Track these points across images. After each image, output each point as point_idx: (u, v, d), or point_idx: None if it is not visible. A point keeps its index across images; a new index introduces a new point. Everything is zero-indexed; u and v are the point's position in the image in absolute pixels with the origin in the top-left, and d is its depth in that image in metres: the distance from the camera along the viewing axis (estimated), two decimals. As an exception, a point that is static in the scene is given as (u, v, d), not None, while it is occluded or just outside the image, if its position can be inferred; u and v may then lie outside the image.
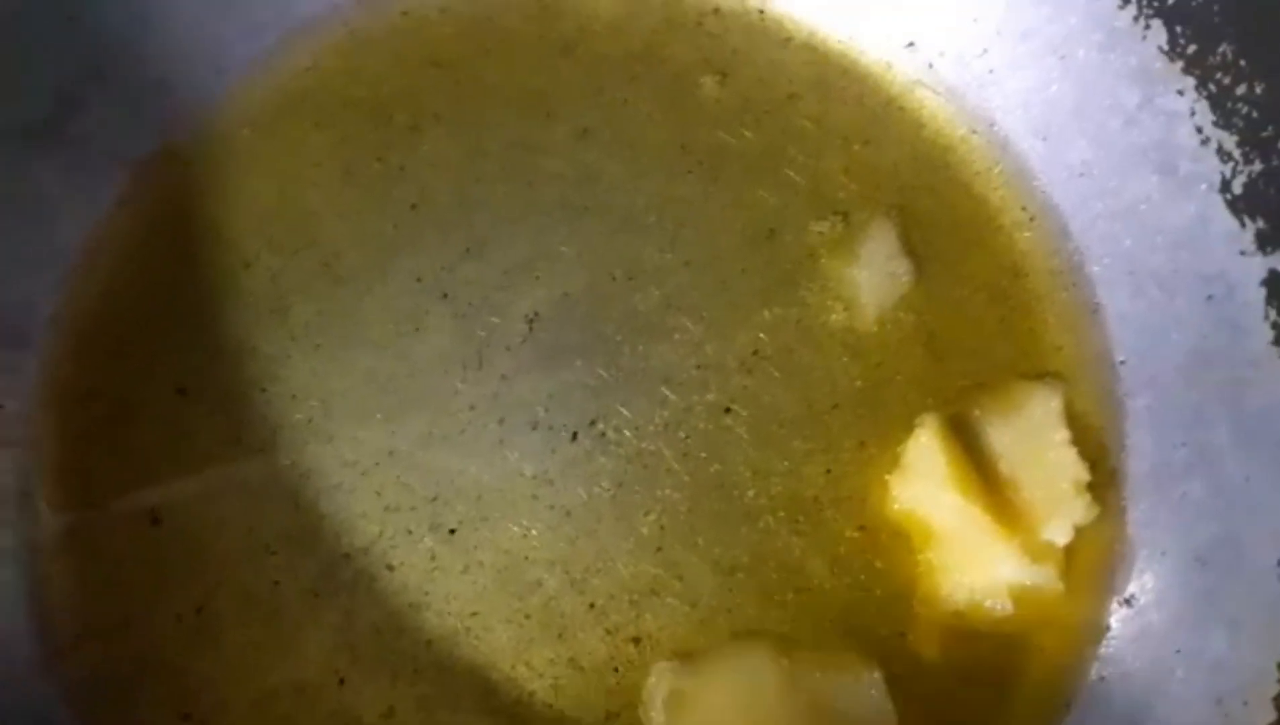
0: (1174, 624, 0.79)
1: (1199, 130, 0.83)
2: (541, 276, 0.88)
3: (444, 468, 0.83)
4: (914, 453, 0.82)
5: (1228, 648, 0.76)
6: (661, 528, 0.82)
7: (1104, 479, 0.83)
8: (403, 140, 0.91)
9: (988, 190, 0.91)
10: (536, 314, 0.87)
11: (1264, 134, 0.80)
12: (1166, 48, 0.84)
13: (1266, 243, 0.80)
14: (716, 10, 0.95)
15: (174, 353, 0.85)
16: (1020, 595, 0.80)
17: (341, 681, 0.79)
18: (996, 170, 0.91)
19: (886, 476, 0.83)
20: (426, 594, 0.81)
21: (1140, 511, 0.83)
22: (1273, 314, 0.80)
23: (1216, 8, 0.82)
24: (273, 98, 0.92)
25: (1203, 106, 0.83)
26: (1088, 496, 0.80)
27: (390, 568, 0.81)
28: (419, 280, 0.87)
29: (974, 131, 0.92)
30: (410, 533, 0.82)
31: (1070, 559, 0.80)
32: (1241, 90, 0.81)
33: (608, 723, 0.79)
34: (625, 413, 0.85)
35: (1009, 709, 0.80)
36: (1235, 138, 0.82)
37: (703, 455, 0.84)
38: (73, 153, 0.87)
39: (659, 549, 0.82)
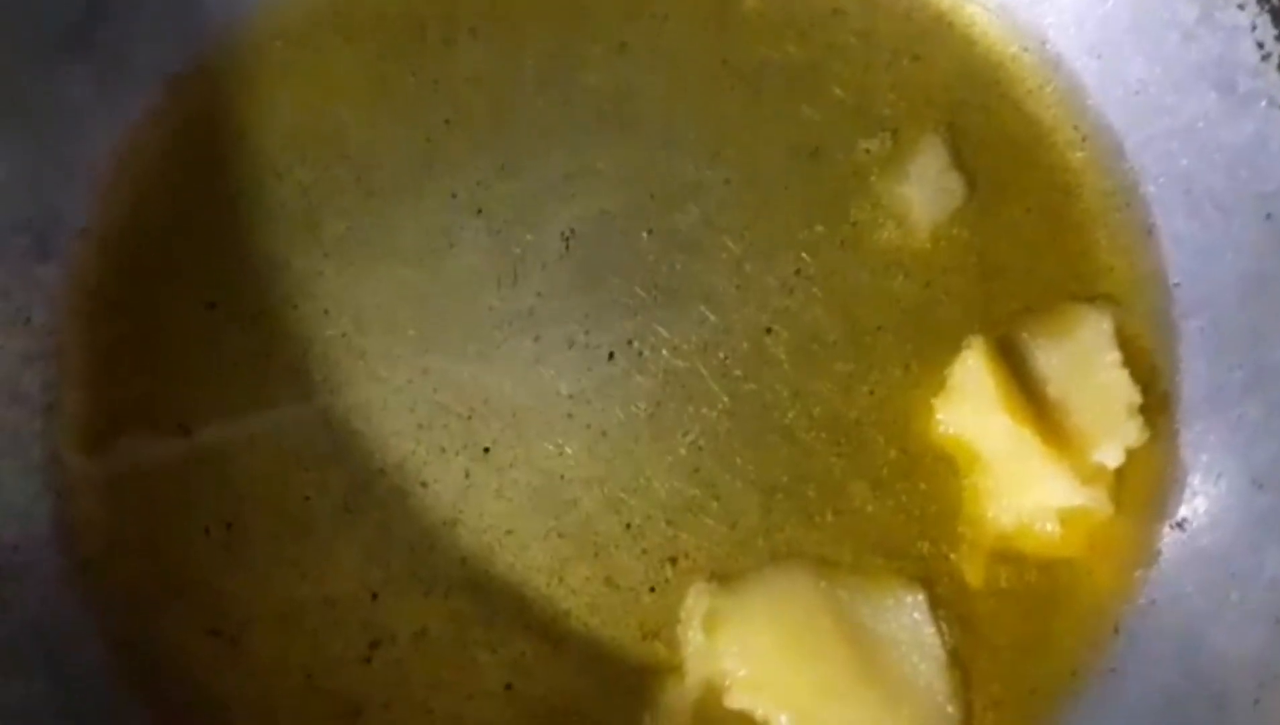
0: (1229, 547, 0.77)
1: (1260, 45, 0.81)
2: (578, 193, 0.86)
3: (478, 385, 0.82)
4: (961, 375, 0.80)
5: (1286, 569, 0.74)
6: (699, 448, 0.81)
7: (1156, 402, 0.81)
8: (437, 54, 0.89)
9: (1040, 109, 0.88)
10: (573, 231, 0.85)
11: (1329, 47, 0.78)
12: (1228, -41, 0.82)
13: (1329, 160, 0.78)
14: (759, -77, 0.93)
15: (204, 267, 0.84)
16: (1069, 519, 0.78)
17: (374, 597, 0.78)
18: (1049, 88, 0.88)
19: (932, 399, 0.81)
20: (460, 512, 0.79)
21: (1195, 434, 0.81)
22: (1334, 233, 0.77)
23: (1281, -84, 0.79)
24: (305, 10, 0.89)
25: (1264, 20, 0.80)
26: (1139, 419, 0.78)
27: (424, 484, 0.80)
28: (453, 196, 0.85)
29: (1025, 49, 0.89)
30: (444, 450, 0.81)
31: (1121, 482, 0.79)
32: (1308, 2, 0.79)
33: (644, 642, 0.77)
34: (663, 332, 0.83)
35: (1056, 634, 0.78)
36: (1299, 51, 0.79)
37: (741, 375, 0.82)
38: (102, 62, 0.85)
39: (696, 469, 0.80)
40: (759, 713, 0.74)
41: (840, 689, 0.73)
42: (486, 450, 0.81)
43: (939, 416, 0.81)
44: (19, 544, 0.78)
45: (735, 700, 0.74)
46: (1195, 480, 0.80)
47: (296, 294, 0.83)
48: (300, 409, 0.81)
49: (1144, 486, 0.80)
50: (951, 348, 0.82)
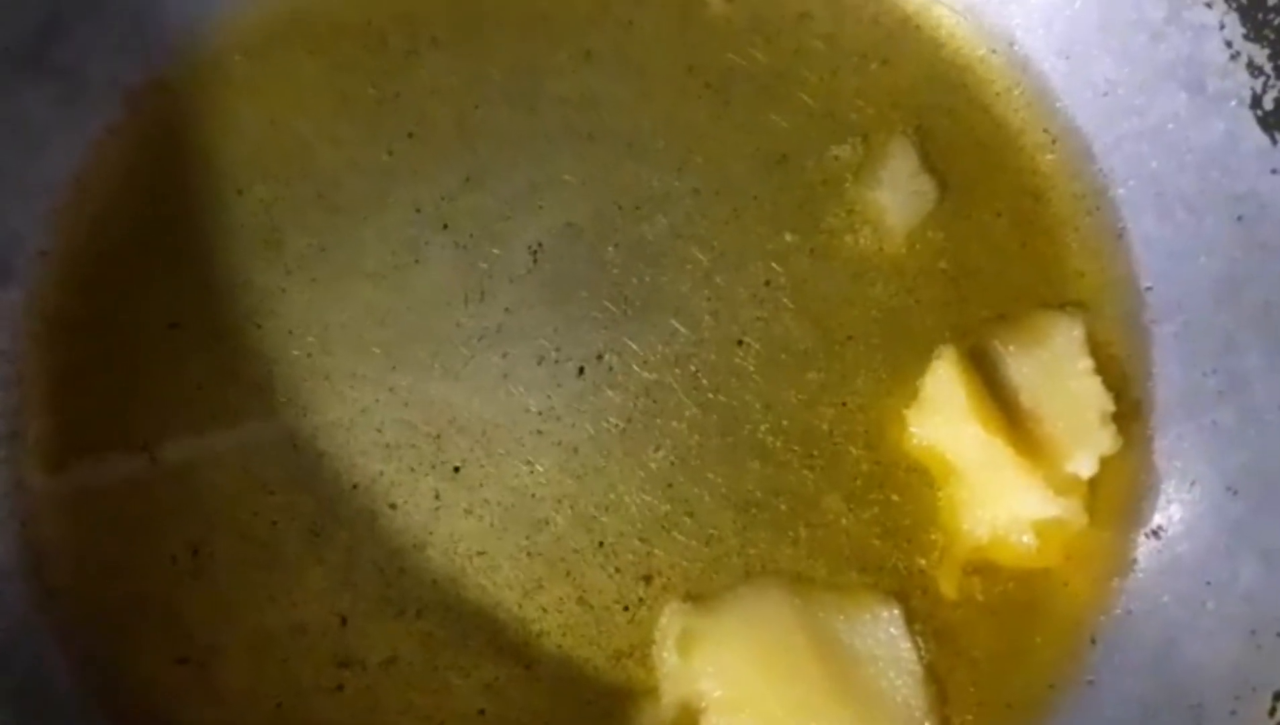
0: (1204, 555, 0.77)
1: (1228, 44, 0.80)
2: (545, 205, 0.84)
3: (446, 403, 0.81)
4: (933, 385, 0.79)
5: (1261, 578, 0.74)
6: (671, 463, 0.80)
7: (1129, 409, 0.80)
8: (398, 65, 0.87)
9: (1008, 111, 0.87)
10: (540, 244, 0.84)
11: (1298, 47, 0.77)
12: (1194, -43, 0.81)
13: (1300, 160, 0.77)
14: (724, -72, 0.92)
15: (166, 286, 0.82)
16: (1044, 529, 0.77)
17: (344, 622, 0.77)
18: (1017, 91, 0.88)
19: (905, 410, 0.80)
20: (430, 533, 0.78)
21: (1168, 441, 0.80)
22: (1307, 235, 0.77)
23: (1247, -86, 0.78)
24: (264, 23, 0.88)
25: (1232, 19, 0.80)
26: (1113, 427, 0.78)
27: (392, 506, 0.79)
28: (418, 210, 0.84)
29: (993, 51, 0.88)
30: (412, 471, 0.79)
31: (1095, 491, 0.78)
32: (1273, 0, 0.78)
33: (618, 661, 0.77)
34: (633, 346, 0.82)
35: (1032, 646, 0.77)
36: (1267, 51, 0.78)
37: (714, 389, 0.81)
38: (59, 80, 0.84)
39: (669, 485, 0.79)
40: (736, 734, 0.74)
41: (817, 707, 0.73)
42: (456, 470, 0.80)
43: (912, 428, 0.80)
44: (-18, 573, 0.77)
45: (712, 722, 0.73)
46: (1169, 488, 0.79)
47: (259, 313, 0.82)
48: (266, 431, 0.80)
49: (1118, 495, 0.80)
50: (923, 356, 0.81)
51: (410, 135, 0.86)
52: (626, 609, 0.77)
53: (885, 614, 0.75)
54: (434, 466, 0.80)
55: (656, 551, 0.78)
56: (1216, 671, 0.73)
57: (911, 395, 0.80)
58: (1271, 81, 0.78)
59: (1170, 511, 0.79)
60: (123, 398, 0.80)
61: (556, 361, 0.82)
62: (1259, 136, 0.78)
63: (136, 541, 0.78)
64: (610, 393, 0.81)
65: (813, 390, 0.81)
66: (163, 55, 0.87)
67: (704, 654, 0.75)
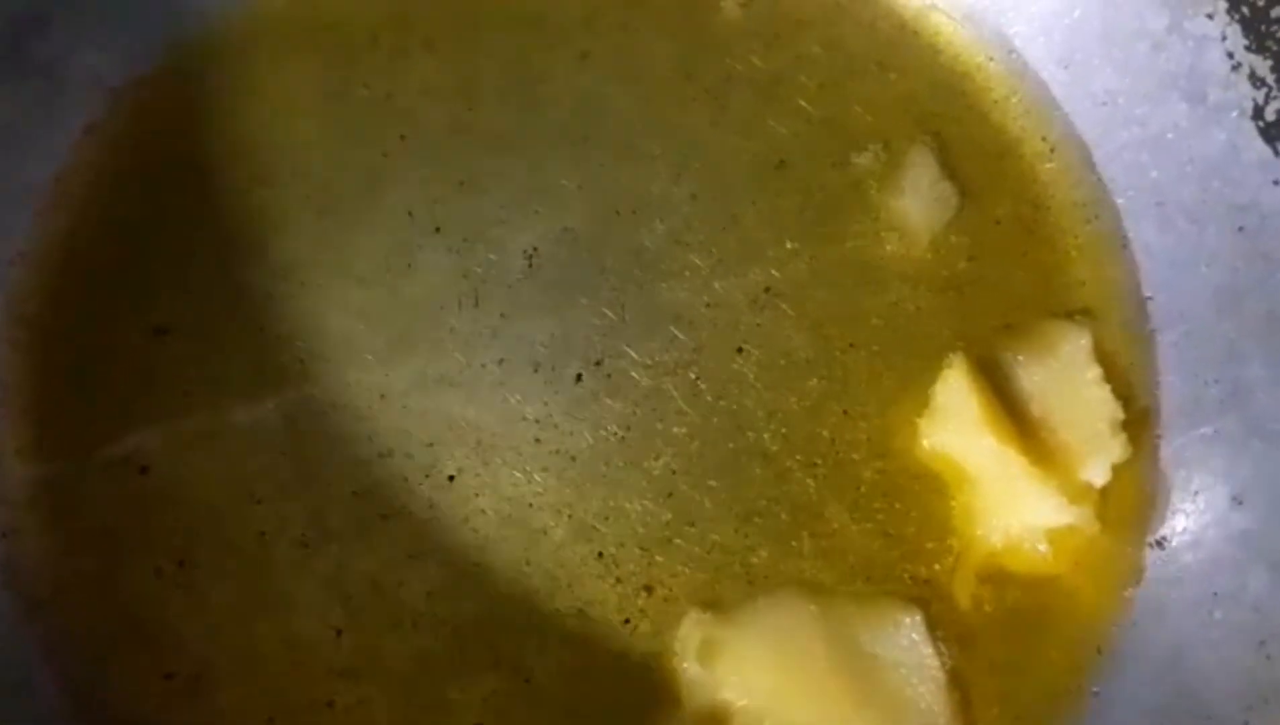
0: (1210, 566, 0.77)
1: (1230, 55, 0.80)
2: (540, 210, 0.83)
3: (441, 411, 0.79)
4: (944, 394, 0.79)
5: (1269, 588, 0.74)
6: (672, 472, 0.79)
7: (1137, 417, 0.80)
8: (390, 66, 0.85)
9: (1007, 119, 0.87)
10: (536, 250, 0.82)
11: (1299, 58, 0.77)
12: (1195, -32, 0.81)
13: (1301, 171, 0.77)
14: (721, -68, 0.91)
15: (151, 292, 0.80)
16: (1056, 537, 0.77)
17: (337, 635, 0.75)
18: (1015, 99, 0.87)
19: (916, 418, 0.79)
20: (425, 544, 0.77)
21: (1171, 451, 0.80)
22: (1308, 245, 0.77)
23: (1248, -76, 0.79)
24: (252, 21, 0.86)
25: (1234, 30, 0.80)
26: (1123, 435, 0.78)
27: (385, 517, 0.77)
28: (410, 213, 0.82)
29: (991, 58, 0.88)
30: (406, 480, 0.78)
31: (1105, 499, 0.78)
32: (1276, 11, 0.78)
33: (619, 674, 0.75)
34: (632, 353, 0.81)
35: (1041, 657, 0.77)
36: (1269, 62, 0.79)
37: (713, 396, 0.80)
38: (38, 77, 0.81)
39: (669, 494, 0.78)
40: (761, 743, 0.73)
41: (841, 715, 0.72)
42: (451, 478, 0.78)
43: (924, 436, 0.79)
44: (-37, 589, 0.74)
45: None
46: (1174, 498, 0.79)
47: (248, 318, 0.80)
48: (255, 439, 0.78)
49: (1128, 503, 0.79)
50: (926, 363, 0.81)
51: (402, 137, 0.84)
52: (627, 621, 0.76)
53: (907, 620, 0.75)
54: (428, 475, 0.78)
55: (657, 561, 0.77)
56: (1226, 683, 0.73)
57: (919, 403, 0.80)
58: (1273, 93, 0.78)
59: (1175, 522, 0.79)
60: (106, 405, 0.78)
61: (553, 368, 0.80)
62: (1260, 147, 0.79)
63: (121, 555, 0.76)
64: (609, 400, 0.80)
65: (814, 398, 0.81)
66: (146, 54, 0.85)
67: (726, 664, 0.74)
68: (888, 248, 0.83)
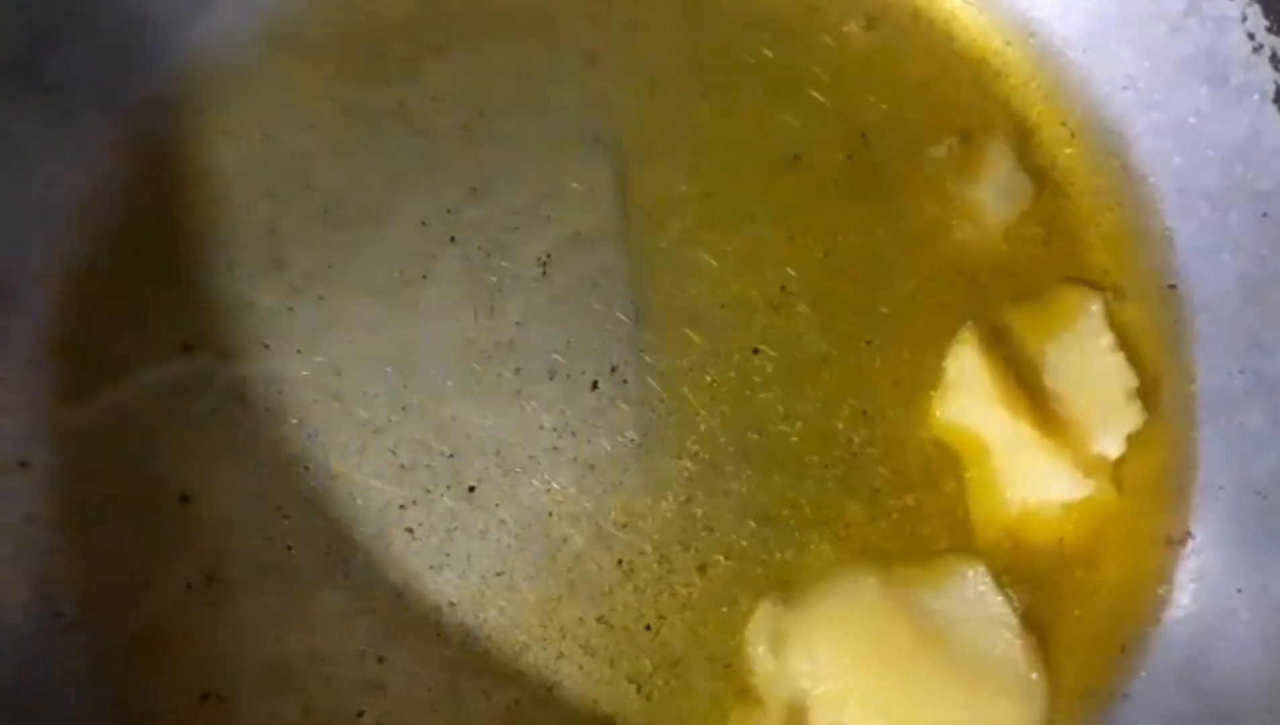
0: (1234, 562, 0.76)
1: (1251, 36, 0.78)
2: (552, 215, 0.83)
3: (460, 422, 0.79)
4: (955, 369, 0.78)
5: (1294, 586, 0.73)
6: (689, 477, 0.79)
7: (1152, 386, 0.79)
8: (400, 75, 0.85)
9: (1025, 106, 0.86)
10: (549, 256, 0.82)
11: (1322, 38, 0.75)
12: (1214, -54, 0.79)
13: (1326, 155, 0.76)
14: (729, -79, 0.89)
15: (170, 308, 0.81)
16: (1074, 508, 0.77)
17: (363, 647, 0.76)
18: (1034, 84, 0.86)
19: (930, 392, 0.79)
20: (448, 554, 0.77)
21: (1194, 444, 0.79)
22: (1333, 231, 0.75)
23: (1270, -99, 0.76)
24: (261, 35, 0.86)
25: (1254, 11, 0.78)
26: (1138, 403, 0.77)
27: (409, 529, 0.78)
28: (424, 224, 0.82)
29: (1009, 43, 0.86)
30: (427, 491, 0.78)
31: (1123, 466, 0.77)
32: (1299, -9, 0.76)
33: (642, 680, 0.76)
34: (647, 358, 0.80)
35: (1060, 658, 0.76)
36: (1291, 42, 0.77)
37: (730, 399, 0.80)
38: (52, 99, 0.82)
39: (688, 499, 0.78)
40: (846, 725, 0.73)
41: (921, 680, 0.72)
42: (471, 489, 0.78)
43: (937, 409, 0.79)
44: (-4, 607, 0.76)
45: (820, 719, 0.72)
46: (1197, 492, 0.78)
47: (267, 333, 0.81)
48: (277, 454, 0.79)
49: (1148, 470, 0.79)
50: (942, 357, 0.80)
51: (414, 146, 0.84)
52: (648, 628, 0.76)
53: (970, 573, 0.75)
54: (449, 486, 0.78)
55: (677, 567, 0.77)
56: (1249, 682, 0.72)
57: (935, 380, 0.79)
58: (1296, 75, 0.76)
59: (1200, 517, 0.78)
60: (130, 424, 0.79)
61: (569, 376, 0.80)
62: (1284, 131, 0.77)
63: (151, 571, 0.77)
64: (625, 406, 0.80)
65: (832, 396, 0.80)
66: (158, 71, 0.85)
67: (798, 652, 0.73)
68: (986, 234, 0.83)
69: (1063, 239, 0.83)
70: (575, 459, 0.79)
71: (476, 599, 0.77)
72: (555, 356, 0.80)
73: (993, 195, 0.83)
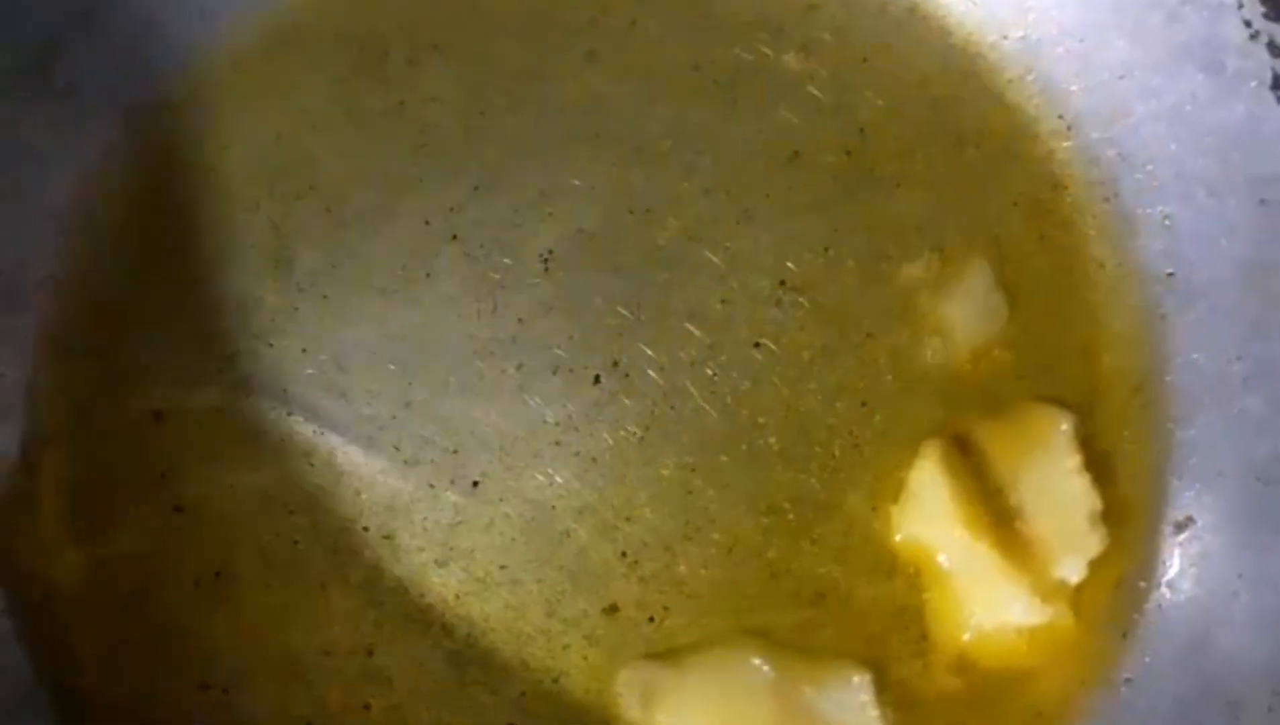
0: (1235, 547, 0.76)
1: (1247, 23, 0.78)
2: (554, 212, 0.83)
3: (463, 418, 0.80)
4: (917, 483, 0.77)
5: (1295, 570, 0.73)
6: (692, 470, 0.79)
7: (1116, 504, 0.77)
8: (401, 75, 0.86)
9: (1022, 99, 0.86)
10: (551, 252, 0.83)
11: (1318, 24, 0.75)
12: (1209, -66, 0.79)
13: (1324, 141, 0.76)
14: (726, -80, 0.90)
15: (177, 307, 0.82)
16: (1030, 633, 0.75)
17: (369, 642, 0.76)
18: (1030, 77, 0.86)
19: (891, 506, 0.78)
20: (452, 549, 0.78)
21: (1195, 430, 0.79)
22: (1332, 217, 0.75)
23: (1265, -115, 0.77)
24: (264, 37, 0.87)
25: (1251, -3, 0.78)
26: (1101, 529, 0.75)
27: (414, 523, 0.78)
28: (427, 222, 0.83)
29: (1005, 37, 0.87)
30: (432, 486, 0.79)
31: (1081, 592, 0.75)
32: (1295, -22, 0.76)
33: (646, 674, 0.76)
34: (649, 352, 0.81)
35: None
36: (1287, 29, 0.77)
37: (732, 393, 0.80)
38: (59, 103, 0.83)
39: (690, 492, 0.79)
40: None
41: None
42: (475, 484, 0.79)
43: (896, 528, 0.77)
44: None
45: None
46: (1199, 477, 0.78)
47: (271, 332, 0.81)
48: (283, 451, 0.80)
49: (1107, 593, 0.77)
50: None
51: (416, 145, 0.85)
52: (652, 619, 0.77)
53: (856, 680, 0.74)
54: (453, 481, 0.79)
55: (680, 559, 0.78)
56: (1253, 666, 0.72)
57: (897, 491, 0.78)
58: (1293, 62, 0.77)
59: (1201, 502, 0.78)
60: (138, 424, 0.80)
61: (572, 371, 0.81)
62: (1281, 118, 0.77)
63: (158, 568, 0.78)
64: (627, 401, 0.80)
65: (833, 391, 0.80)
66: (163, 73, 0.86)
67: (668, 711, 0.74)
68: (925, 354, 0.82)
69: (1059, 231, 0.83)
70: (578, 453, 0.79)
71: (481, 592, 0.77)
72: (558, 352, 0.81)
73: (966, 315, 0.81)
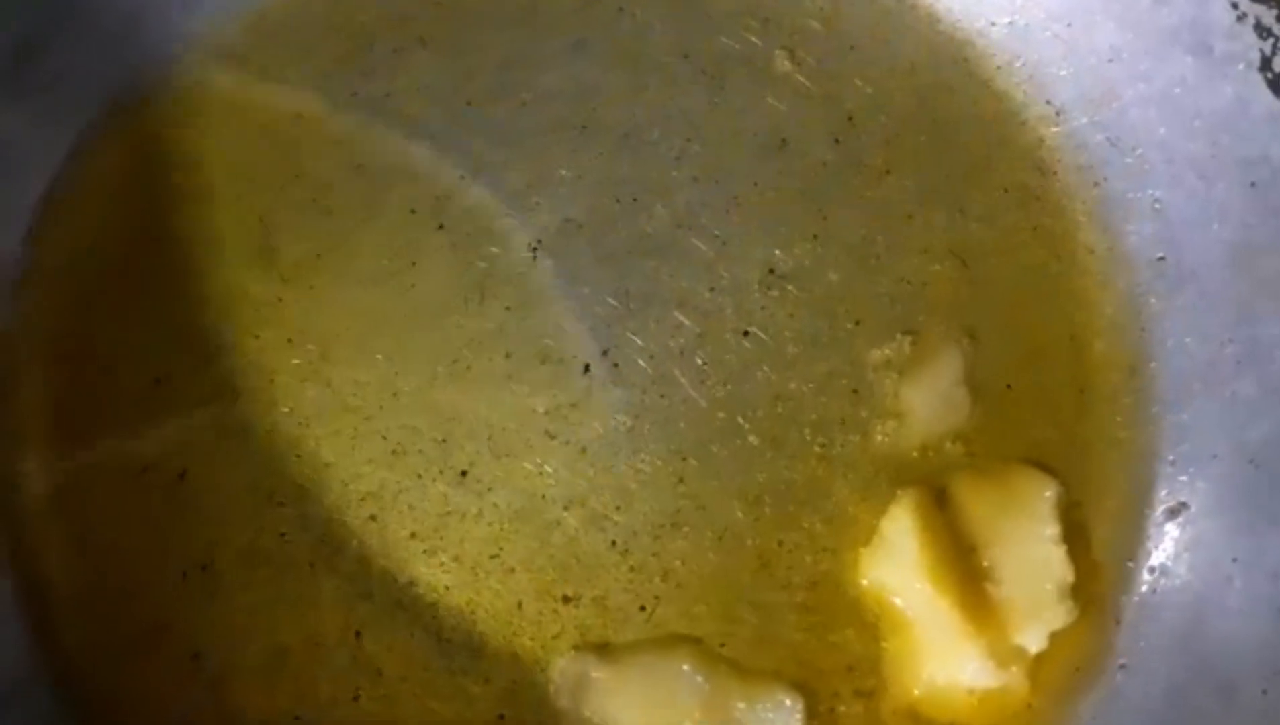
0: (1229, 531, 0.75)
1: (1234, 6, 0.78)
2: (541, 202, 0.83)
3: (451, 407, 0.79)
4: (889, 529, 0.76)
5: (1288, 554, 0.73)
6: (681, 458, 0.79)
7: (1086, 575, 0.76)
8: (387, 66, 0.86)
9: (1010, 85, 0.86)
10: (539, 242, 0.82)
11: (1306, 6, 0.75)
12: (1196, -85, 0.79)
13: (1312, 122, 0.75)
14: (713, -92, 0.90)
15: (160, 301, 0.81)
16: (984, 695, 0.74)
17: (358, 632, 0.76)
18: (1018, 63, 0.86)
19: (861, 548, 0.77)
20: (441, 539, 0.77)
21: (1187, 414, 0.79)
22: (1321, 198, 0.75)
23: None
24: (246, 30, 0.87)
25: (1238, -20, 0.78)
26: (1069, 602, 0.74)
27: (401, 514, 0.78)
28: (413, 211, 0.83)
29: (993, 23, 0.86)
30: (420, 476, 0.78)
31: (1042, 661, 0.74)
32: (1281, -40, 0.76)
33: (636, 663, 0.75)
34: (638, 341, 0.81)
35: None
36: (1275, 12, 0.77)
37: (721, 381, 0.80)
38: (39, 98, 0.83)
39: (680, 480, 0.78)
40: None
41: None
42: (464, 473, 0.78)
43: (864, 573, 0.76)
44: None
45: None
46: (1191, 461, 0.78)
47: (257, 323, 0.81)
48: (270, 442, 0.79)
49: (1066, 667, 0.76)
50: (934, 335, 0.79)
51: (402, 135, 0.84)
52: (643, 608, 0.76)
53: (788, 702, 0.73)
54: (441, 471, 0.78)
55: (670, 548, 0.77)
56: (1247, 650, 0.72)
57: (868, 535, 0.77)
58: (1280, 43, 0.76)
59: (1194, 486, 0.77)
60: (122, 417, 0.79)
61: (560, 360, 0.80)
62: (1269, 100, 0.77)
63: (145, 561, 0.77)
64: (616, 390, 0.80)
65: (822, 378, 0.80)
66: (145, 66, 0.86)
67: (596, 704, 0.74)
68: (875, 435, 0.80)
69: (1050, 218, 0.83)
70: (567, 442, 0.79)
71: (471, 582, 0.77)
72: (546, 341, 0.80)
73: (927, 403, 0.80)
